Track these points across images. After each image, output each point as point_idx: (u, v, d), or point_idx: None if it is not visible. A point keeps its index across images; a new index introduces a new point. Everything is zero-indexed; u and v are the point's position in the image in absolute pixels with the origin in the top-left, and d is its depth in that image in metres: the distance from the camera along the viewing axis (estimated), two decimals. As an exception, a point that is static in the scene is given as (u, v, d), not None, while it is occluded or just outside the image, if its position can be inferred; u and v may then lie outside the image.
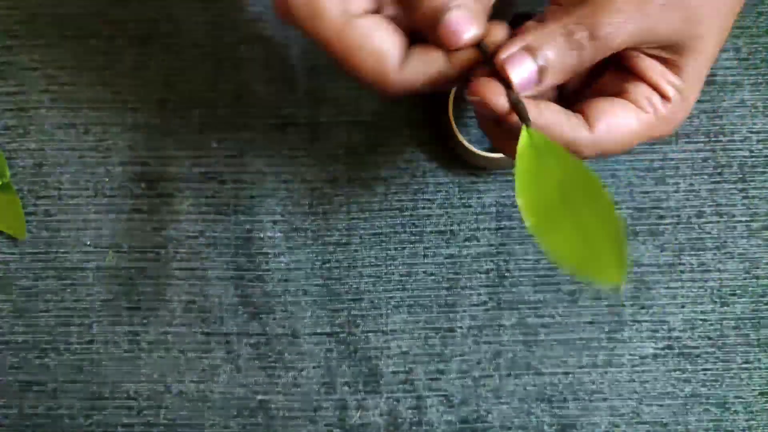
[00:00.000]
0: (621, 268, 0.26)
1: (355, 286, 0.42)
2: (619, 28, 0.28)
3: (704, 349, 0.41)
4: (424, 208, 0.42)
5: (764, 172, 0.42)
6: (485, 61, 0.29)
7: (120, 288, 0.42)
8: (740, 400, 0.41)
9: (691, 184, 0.42)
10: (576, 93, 0.32)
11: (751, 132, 0.42)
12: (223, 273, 0.42)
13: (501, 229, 0.42)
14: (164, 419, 0.41)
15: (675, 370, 0.41)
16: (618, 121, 0.30)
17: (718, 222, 0.41)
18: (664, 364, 0.41)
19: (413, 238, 0.42)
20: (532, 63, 0.29)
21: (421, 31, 0.30)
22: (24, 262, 0.42)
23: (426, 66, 0.29)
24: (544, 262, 0.41)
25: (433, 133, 0.42)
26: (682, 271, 0.41)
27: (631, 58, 0.30)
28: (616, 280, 0.27)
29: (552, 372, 0.41)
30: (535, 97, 0.30)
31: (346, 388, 0.41)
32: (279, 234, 0.42)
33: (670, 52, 0.30)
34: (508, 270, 0.41)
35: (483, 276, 0.41)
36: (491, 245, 0.42)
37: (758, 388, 0.41)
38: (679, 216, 0.41)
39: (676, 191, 0.42)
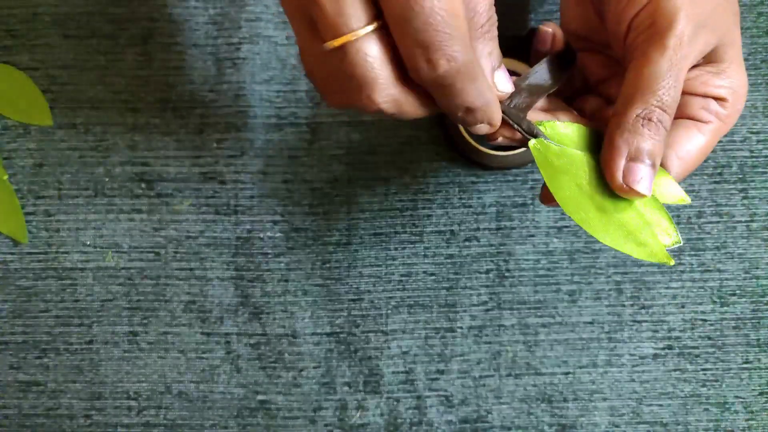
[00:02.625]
0: (659, 247, 0.30)
1: (355, 286, 0.42)
2: (677, 85, 0.29)
3: (704, 349, 0.41)
4: (424, 208, 0.42)
5: (764, 172, 0.42)
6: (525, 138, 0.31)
7: (120, 288, 0.42)
8: (740, 400, 0.41)
9: (691, 184, 0.42)
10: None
11: (751, 132, 0.42)
12: (223, 273, 0.42)
13: (501, 229, 0.42)
14: (164, 419, 0.41)
15: (675, 370, 0.41)
16: (686, 146, 0.31)
17: (718, 222, 0.41)
18: (664, 364, 0.41)
19: (413, 238, 0.42)
20: (644, 167, 0.30)
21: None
22: (24, 262, 0.42)
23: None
24: (544, 262, 0.41)
25: (434, 134, 0.42)
26: (682, 271, 0.41)
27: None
28: (665, 260, 0.30)
29: (552, 372, 0.41)
30: None
31: (346, 388, 0.41)
32: (279, 234, 0.42)
33: (711, 62, 0.31)
34: (508, 270, 0.41)
35: (483, 276, 0.41)
36: (491, 245, 0.42)
37: (758, 388, 0.41)
38: (679, 216, 0.41)
39: (676, 191, 0.42)
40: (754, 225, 0.41)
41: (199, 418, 0.41)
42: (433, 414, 0.41)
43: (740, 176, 0.42)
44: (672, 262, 0.29)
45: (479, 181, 0.42)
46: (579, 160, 0.30)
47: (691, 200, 0.41)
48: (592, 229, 0.30)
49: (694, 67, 0.31)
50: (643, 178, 0.30)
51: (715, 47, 0.31)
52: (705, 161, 0.42)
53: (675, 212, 0.41)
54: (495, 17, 0.28)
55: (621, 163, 0.30)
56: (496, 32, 0.29)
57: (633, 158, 0.30)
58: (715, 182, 0.42)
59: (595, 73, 0.35)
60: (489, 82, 0.29)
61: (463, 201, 0.42)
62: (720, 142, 0.42)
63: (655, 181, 0.30)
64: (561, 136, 0.31)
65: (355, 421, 0.41)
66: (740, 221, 0.41)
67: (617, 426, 0.41)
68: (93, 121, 0.42)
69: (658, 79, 0.29)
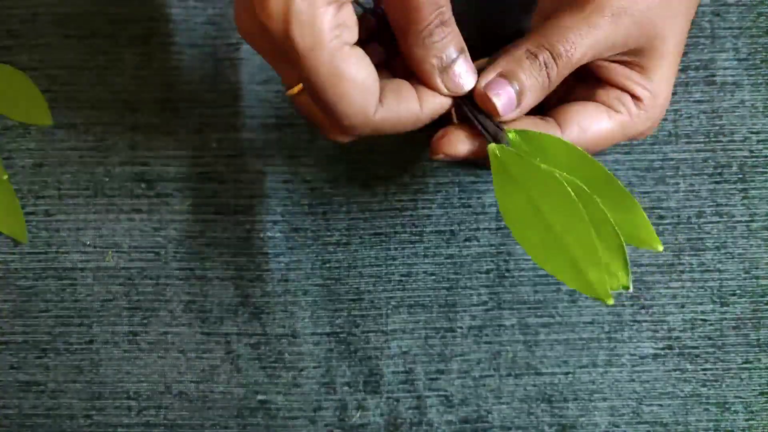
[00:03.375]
0: (600, 281, 0.27)
1: (355, 286, 0.42)
2: (575, 45, 0.30)
3: (704, 349, 0.41)
4: (424, 208, 0.42)
5: (764, 172, 0.42)
6: (465, 97, 0.31)
7: (120, 288, 0.42)
8: (740, 400, 0.41)
9: (691, 184, 0.42)
10: (551, 109, 0.34)
11: (751, 132, 0.42)
12: (223, 273, 0.42)
13: (501, 229, 0.42)
14: (164, 419, 0.41)
15: (675, 370, 0.41)
16: (590, 121, 0.31)
17: (718, 222, 0.41)
18: (664, 364, 0.41)
19: (413, 238, 0.42)
20: (510, 87, 0.30)
21: (407, 66, 0.30)
22: (24, 262, 0.42)
23: (399, 108, 0.30)
24: (544, 262, 0.41)
25: (434, 134, 0.42)
26: (682, 271, 0.41)
27: (598, 68, 0.32)
28: (600, 296, 0.27)
29: (552, 372, 0.41)
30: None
31: (346, 388, 0.41)
32: (279, 234, 0.42)
33: (632, 56, 0.31)
34: (508, 270, 0.41)
35: (483, 276, 0.41)
36: (491, 245, 0.42)
37: (758, 388, 0.41)
38: (679, 216, 0.42)
39: (676, 191, 0.42)
40: (754, 225, 0.41)
41: (199, 418, 0.41)
42: (433, 414, 0.41)
43: (740, 176, 0.42)
44: (610, 302, 0.27)
45: (479, 181, 0.42)
46: (540, 173, 0.29)
47: (689, 199, 0.41)
48: (530, 248, 0.28)
49: (621, 63, 0.31)
50: (502, 94, 0.30)
51: (642, 47, 0.31)
52: (705, 161, 0.42)
53: (676, 212, 0.41)
54: (442, 11, 0.29)
55: (491, 75, 0.30)
56: (446, 28, 0.29)
57: (502, 74, 0.30)
58: (715, 182, 0.42)
59: None
60: (412, 107, 0.30)
61: (463, 201, 0.42)
62: (720, 142, 0.42)
63: (629, 220, 0.29)
64: (531, 146, 0.30)
65: (355, 421, 0.41)
66: (740, 221, 0.41)
67: (617, 426, 0.41)
68: (93, 121, 0.42)
69: (560, 31, 0.30)
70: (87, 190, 0.42)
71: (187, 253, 0.42)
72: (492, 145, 0.30)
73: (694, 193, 0.42)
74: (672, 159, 0.42)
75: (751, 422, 0.41)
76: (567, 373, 0.41)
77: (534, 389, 0.41)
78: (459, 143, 0.32)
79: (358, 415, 0.41)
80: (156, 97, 0.42)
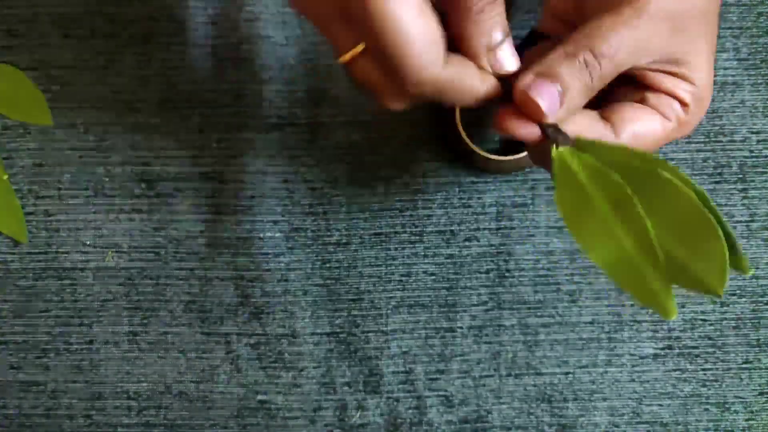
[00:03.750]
0: (664, 296, 0.26)
1: (355, 286, 0.42)
2: (617, 46, 0.29)
3: (704, 349, 0.41)
4: (424, 208, 0.42)
5: (764, 172, 0.42)
6: (506, 92, 0.30)
7: (120, 288, 0.42)
8: (740, 400, 0.41)
9: (691, 184, 0.42)
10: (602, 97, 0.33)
11: (751, 132, 0.42)
12: (223, 273, 0.42)
13: (501, 229, 0.42)
14: (164, 419, 0.41)
15: (675, 370, 0.41)
16: (644, 127, 0.31)
17: (718, 222, 0.41)
18: (664, 364, 0.41)
19: (413, 238, 0.42)
20: (552, 87, 0.29)
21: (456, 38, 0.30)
22: (24, 262, 0.42)
23: (464, 71, 0.29)
24: (544, 262, 0.41)
25: (434, 134, 0.42)
26: (682, 271, 0.41)
27: (644, 76, 0.31)
28: (663, 309, 0.26)
29: (552, 372, 0.41)
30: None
31: (346, 388, 0.41)
32: (279, 234, 0.42)
33: (676, 66, 0.31)
34: (508, 270, 0.41)
35: (483, 276, 0.41)
36: (491, 245, 0.42)
37: (758, 388, 0.41)
38: (679, 216, 0.41)
39: (676, 191, 0.42)
40: (754, 225, 0.41)
41: (199, 418, 0.41)
42: (433, 414, 0.41)
43: (740, 176, 0.42)
44: (674, 315, 0.26)
45: (479, 181, 0.42)
46: (610, 181, 0.26)
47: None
48: (591, 252, 0.26)
49: (664, 72, 0.31)
50: (544, 93, 0.29)
51: (681, 54, 0.30)
52: (705, 161, 0.42)
53: (675, 212, 0.41)
54: None
55: (530, 76, 0.29)
56: (497, 8, 0.29)
57: (541, 74, 0.29)
58: (715, 182, 0.42)
59: None
60: (475, 78, 0.29)
61: (463, 201, 0.42)
62: (720, 142, 0.42)
63: (703, 256, 0.26)
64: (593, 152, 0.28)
65: (355, 421, 0.41)
66: (740, 221, 0.41)
67: (617, 426, 0.41)
68: (93, 121, 0.42)
69: (599, 32, 0.29)
70: (87, 190, 0.42)
71: (187, 253, 0.42)
72: (557, 150, 0.28)
73: (694, 193, 0.42)
74: (672, 159, 0.42)
75: (751, 422, 0.41)
76: (567, 373, 0.41)
77: (534, 389, 0.41)
78: (525, 125, 0.30)
79: (358, 415, 0.41)
80: (156, 97, 0.42)
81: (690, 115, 0.32)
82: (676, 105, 0.31)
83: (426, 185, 0.42)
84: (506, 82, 0.30)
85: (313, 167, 0.42)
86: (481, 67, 0.30)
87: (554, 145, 0.28)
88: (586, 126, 0.30)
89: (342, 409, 0.41)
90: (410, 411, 0.41)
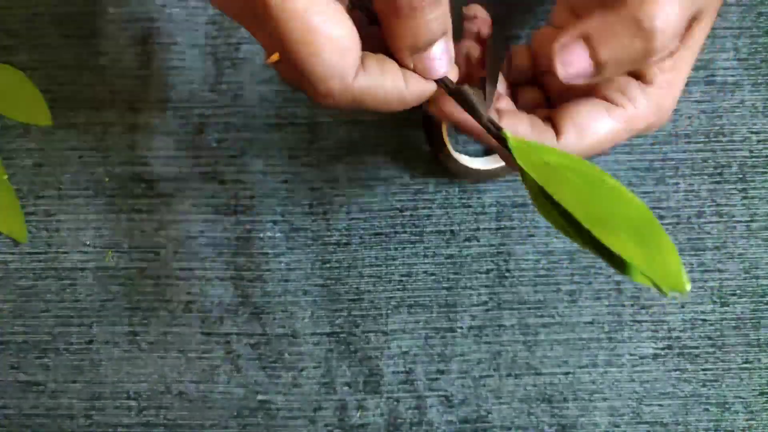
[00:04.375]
0: (675, 269, 0.25)
1: (355, 286, 0.42)
2: (667, 17, 0.26)
3: (704, 349, 0.41)
4: (424, 208, 0.42)
5: (764, 172, 0.42)
6: (450, 93, 0.28)
7: (120, 288, 0.42)
8: (740, 400, 0.41)
9: (691, 184, 0.42)
10: (560, 96, 0.31)
11: (751, 132, 0.42)
12: (223, 273, 0.42)
13: (501, 229, 0.42)
14: (164, 419, 0.41)
15: (675, 370, 0.41)
16: (588, 123, 0.29)
17: (718, 222, 0.41)
18: (664, 364, 0.41)
19: (413, 238, 0.42)
20: (586, 56, 0.27)
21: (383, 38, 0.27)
22: (24, 262, 0.42)
23: (384, 80, 0.27)
24: (544, 262, 0.41)
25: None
26: (682, 271, 0.41)
27: None
28: (675, 287, 0.25)
29: (552, 372, 0.41)
30: (500, 111, 0.29)
31: (346, 388, 0.41)
32: (279, 234, 0.42)
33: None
34: (508, 270, 0.41)
35: (483, 276, 0.41)
36: (491, 245, 0.42)
37: (758, 388, 0.41)
38: (679, 216, 0.41)
39: (676, 191, 0.42)
40: (754, 225, 0.41)
41: (199, 418, 0.41)
42: (433, 414, 0.41)
43: (740, 176, 0.42)
44: (688, 288, 0.24)
45: (479, 181, 0.42)
46: (574, 162, 0.26)
47: (689, 199, 0.41)
48: (545, 214, 0.26)
49: None
50: (574, 63, 0.26)
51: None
52: (705, 161, 0.42)
53: (676, 212, 0.41)
54: None
55: (569, 36, 0.27)
56: (436, 9, 0.26)
57: (585, 37, 0.27)
58: (715, 182, 0.42)
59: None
60: (398, 84, 0.27)
61: (463, 201, 0.42)
62: (720, 142, 0.42)
63: (653, 254, 0.25)
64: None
65: (355, 421, 0.41)
66: (740, 221, 0.41)
67: (617, 426, 0.41)
68: (93, 121, 0.42)
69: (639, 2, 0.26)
70: (87, 190, 0.42)
71: (187, 253, 0.42)
72: (511, 137, 0.27)
73: (694, 193, 0.42)
74: (672, 159, 0.42)
75: (751, 422, 0.41)
76: (567, 373, 0.41)
77: (534, 389, 0.41)
78: (456, 109, 0.28)
79: (358, 415, 0.41)
80: (156, 97, 0.42)
81: (653, 98, 0.29)
82: (633, 86, 0.29)
83: (426, 185, 0.42)
84: (444, 84, 0.28)
85: (313, 167, 0.42)
86: (402, 66, 0.27)
87: (501, 138, 0.27)
88: (524, 128, 0.29)
89: (342, 409, 0.41)
90: (410, 411, 0.41)
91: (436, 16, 0.26)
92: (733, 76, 0.42)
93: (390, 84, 0.27)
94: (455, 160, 0.40)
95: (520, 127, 0.29)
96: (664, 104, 0.29)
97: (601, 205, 0.25)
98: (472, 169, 0.40)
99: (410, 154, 0.42)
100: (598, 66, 0.27)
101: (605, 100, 0.29)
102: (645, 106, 0.29)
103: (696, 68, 0.42)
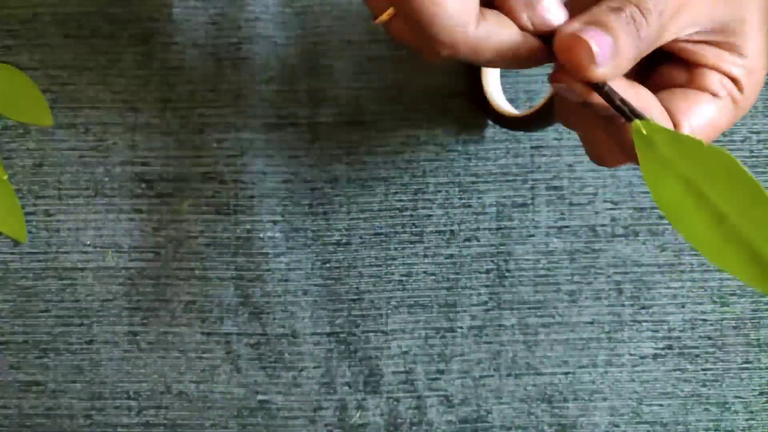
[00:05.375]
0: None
1: (355, 286, 0.42)
2: (664, 2, 0.26)
3: (704, 349, 0.41)
4: (424, 208, 0.42)
5: (764, 172, 0.42)
6: (550, 52, 0.27)
7: (120, 288, 0.42)
8: (740, 400, 0.41)
9: (691, 184, 0.42)
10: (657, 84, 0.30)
11: (751, 132, 0.42)
12: (223, 273, 0.42)
13: (501, 229, 0.42)
14: (164, 419, 0.41)
15: (675, 370, 0.41)
16: (703, 117, 0.28)
17: (718, 222, 0.41)
18: (664, 364, 0.41)
19: (413, 238, 0.42)
20: (605, 37, 0.26)
21: None
22: (24, 262, 0.42)
23: (501, 31, 0.27)
24: (544, 262, 0.41)
25: (434, 133, 0.42)
26: (682, 271, 0.41)
27: (683, 51, 0.28)
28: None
29: (552, 372, 0.41)
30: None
31: (346, 388, 0.41)
32: (279, 234, 0.42)
33: (723, 36, 0.28)
34: (508, 270, 0.41)
35: (483, 276, 0.41)
36: (491, 245, 0.42)
37: (758, 388, 0.41)
38: (679, 216, 0.41)
39: (676, 191, 0.42)
40: (754, 225, 0.41)
41: (199, 418, 0.41)
42: (433, 414, 0.41)
43: (740, 176, 0.42)
44: None
45: (479, 181, 0.42)
46: (706, 151, 0.23)
47: None
48: (700, 245, 0.23)
49: (709, 43, 0.28)
50: (596, 40, 0.25)
51: (727, 23, 0.27)
52: (705, 161, 0.42)
53: (675, 212, 0.41)
54: None
55: (578, 23, 0.26)
56: None
57: (589, 23, 0.26)
58: (715, 182, 0.42)
59: None
60: (513, 36, 0.26)
61: (463, 201, 0.42)
62: (720, 141, 0.42)
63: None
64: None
65: (355, 421, 0.41)
66: (740, 221, 0.41)
67: (617, 426, 0.41)
68: (93, 121, 0.42)
69: None
70: (87, 190, 0.42)
71: (187, 253, 0.42)
72: (637, 122, 0.24)
73: (694, 193, 0.42)
74: (672, 159, 0.42)
75: (751, 422, 0.41)
76: (567, 373, 0.41)
77: (534, 389, 0.41)
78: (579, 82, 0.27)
79: (358, 415, 0.41)
80: (156, 97, 0.42)
81: (745, 93, 0.28)
82: (728, 82, 0.28)
83: (426, 185, 0.42)
84: (551, 40, 0.26)
85: (313, 167, 0.42)
86: (518, 23, 0.27)
87: (624, 118, 0.25)
88: (655, 104, 0.27)
89: (342, 409, 0.41)
90: (410, 411, 0.41)
91: None
92: (733, 76, 0.42)
93: (507, 36, 0.27)
94: (494, 107, 0.39)
95: (652, 101, 0.27)
96: (751, 97, 0.29)
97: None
98: (508, 115, 0.39)
99: (410, 154, 0.42)
100: (616, 46, 0.26)
101: (707, 91, 0.28)
102: (738, 100, 0.28)
103: (696, 68, 0.42)
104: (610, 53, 0.25)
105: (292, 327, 0.41)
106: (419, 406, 0.41)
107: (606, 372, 0.41)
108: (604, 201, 0.42)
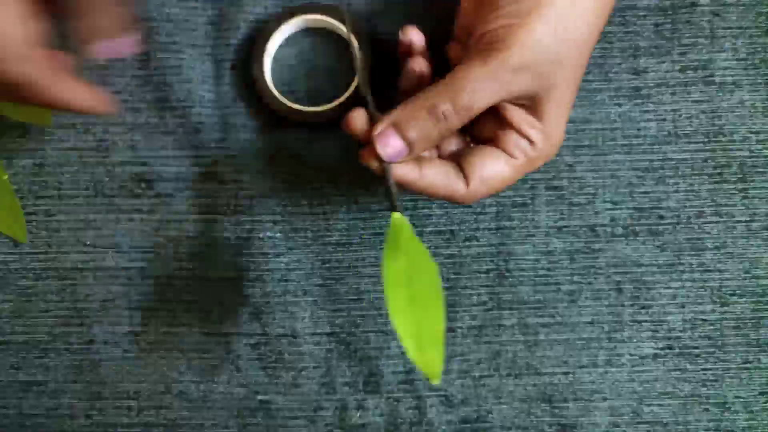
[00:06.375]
0: (435, 364, 0.31)
1: (355, 286, 0.42)
2: (477, 96, 0.32)
3: (704, 349, 0.41)
4: (424, 208, 0.42)
5: (764, 172, 0.42)
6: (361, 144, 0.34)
7: (120, 288, 0.42)
8: (740, 400, 0.41)
9: (691, 185, 0.42)
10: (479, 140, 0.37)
11: (751, 132, 0.42)
12: (222, 273, 0.42)
13: (501, 229, 0.42)
14: (164, 419, 0.41)
15: (675, 370, 0.41)
16: (491, 171, 0.35)
17: (718, 222, 0.41)
18: (664, 364, 0.41)
19: (413, 238, 0.42)
20: (399, 139, 0.33)
21: None
22: (24, 262, 0.42)
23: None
24: (544, 262, 0.41)
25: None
26: (682, 271, 0.41)
27: (501, 108, 0.34)
28: (431, 375, 0.31)
29: (552, 372, 0.41)
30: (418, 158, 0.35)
31: (346, 388, 0.41)
32: (279, 234, 0.42)
33: (530, 102, 0.34)
34: (508, 270, 0.41)
35: (483, 276, 0.41)
36: (491, 245, 0.42)
37: (758, 388, 0.41)
38: (679, 216, 0.42)
39: (676, 191, 0.42)
40: (754, 225, 0.42)
41: (199, 418, 0.41)
42: (433, 414, 0.41)
43: (740, 176, 0.42)
44: (437, 382, 0.32)
45: (479, 181, 0.42)
46: (423, 253, 0.33)
47: (689, 199, 0.41)
48: (393, 308, 0.32)
49: (519, 105, 0.34)
50: (390, 145, 0.33)
51: (537, 94, 0.33)
52: (705, 161, 0.42)
53: (676, 212, 0.41)
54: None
55: (384, 125, 0.33)
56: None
57: (394, 124, 0.33)
58: (715, 182, 0.42)
59: None
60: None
61: (463, 201, 0.42)
62: (720, 142, 0.42)
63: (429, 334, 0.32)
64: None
65: (355, 421, 0.41)
66: (740, 221, 0.41)
67: (617, 426, 0.41)
68: (93, 121, 0.42)
69: (465, 84, 0.32)
70: (87, 190, 0.42)
71: (187, 253, 0.42)
72: (396, 214, 0.34)
73: (694, 193, 0.42)
74: (672, 159, 0.42)
75: (751, 422, 0.41)
76: (567, 373, 0.41)
77: (534, 389, 0.41)
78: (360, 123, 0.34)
79: (358, 415, 0.41)
80: (155, 97, 0.42)
81: (537, 152, 0.35)
82: (524, 143, 0.35)
83: (426, 185, 0.42)
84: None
85: (313, 167, 0.42)
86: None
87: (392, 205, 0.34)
88: (437, 179, 0.34)
89: (342, 409, 0.41)
90: (410, 411, 0.41)
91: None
92: (732, 76, 0.42)
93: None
94: (282, 104, 0.41)
95: (437, 177, 0.34)
96: (546, 153, 0.35)
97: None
98: (300, 111, 0.41)
99: (410, 154, 0.42)
100: (410, 145, 0.33)
101: (504, 151, 0.35)
102: (532, 159, 0.35)
103: (695, 68, 0.42)
104: (398, 154, 0.33)
105: (292, 327, 0.41)
106: (419, 406, 0.41)
107: (606, 372, 0.41)
108: (604, 201, 0.42)
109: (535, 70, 0.32)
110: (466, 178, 0.34)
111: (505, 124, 0.35)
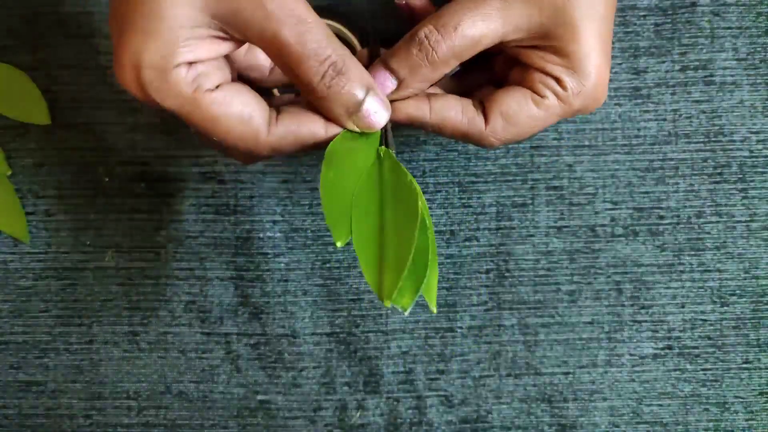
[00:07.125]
0: (388, 287, 0.29)
1: (355, 286, 0.42)
2: (462, 18, 0.30)
3: (704, 349, 0.41)
4: (424, 208, 0.42)
5: (764, 172, 0.42)
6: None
7: (120, 288, 0.42)
8: (740, 400, 0.41)
9: (691, 184, 0.42)
10: (503, 80, 0.35)
11: (751, 132, 0.42)
12: (223, 273, 0.42)
13: (501, 229, 0.42)
14: (164, 419, 0.41)
15: (675, 370, 0.41)
16: (515, 107, 0.32)
17: (718, 222, 0.41)
18: (664, 364, 0.41)
19: (413, 238, 0.42)
20: (386, 74, 0.32)
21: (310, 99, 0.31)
22: (24, 262, 0.42)
23: (299, 128, 0.31)
24: (544, 262, 0.41)
25: (432, 134, 0.42)
26: (682, 271, 0.41)
27: (519, 53, 0.32)
28: (382, 296, 0.29)
29: (552, 372, 0.41)
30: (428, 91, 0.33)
31: (346, 388, 0.41)
32: (279, 234, 0.42)
33: (546, 41, 0.31)
34: (508, 270, 0.41)
35: (483, 276, 0.41)
36: (491, 245, 0.42)
37: (758, 388, 0.41)
38: (679, 216, 0.42)
39: (676, 191, 0.42)
40: (754, 225, 0.42)
41: (199, 418, 0.41)
42: (433, 414, 0.41)
43: (740, 176, 0.42)
44: (387, 304, 0.29)
45: (479, 181, 0.42)
46: (406, 178, 0.30)
47: (689, 199, 0.41)
48: (357, 237, 0.30)
49: (538, 48, 0.32)
50: (380, 83, 0.32)
51: (549, 30, 0.31)
52: (705, 161, 0.42)
53: (676, 212, 0.41)
54: (332, 61, 0.30)
55: (374, 65, 0.32)
56: (342, 78, 0.30)
57: (382, 61, 0.32)
58: (715, 182, 0.42)
59: None
60: (314, 125, 0.31)
61: (463, 201, 0.42)
62: (720, 142, 0.42)
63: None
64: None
65: (355, 421, 0.41)
66: (740, 221, 0.41)
67: (617, 426, 0.41)
68: (93, 121, 0.42)
69: (450, 12, 0.30)
70: (87, 190, 0.42)
71: (187, 253, 0.42)
72: (383, 147, 0.32)
73: (694, 193, 0.42)
74: (672, 159, 0.42)
75: (751, 422, 0.41)
76: (567, 373, 0.41)
77: (534, 389, 0.41)
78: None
79: (358, 415, 0.41)
80: (156, 97, 0.42)
81: (570, 90, 0.32)
82: (552, 82, 0.32)
83: (426, 185, 0.42)
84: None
85: (313, 167, 0.42)
86: (348, 129, 0.32)
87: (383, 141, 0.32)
88: (455, 114, 0.32)
89: (342, 409, 0.41)
90: (410, 411, 0.41)
91: (351, 84, 0.30)
92: (732, 76, 0.42)
93: (306, 131, 0.31)
94: None
95: (450, 112, 0.32)
96: (587, 93, 0.32)
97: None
98: None
99: (410, 153, 0.42)
100: (400, 79, 0.32)
101: (531, 90, 0.32)
102: (566, 97, 0.32)
103: (695, 68, 0.42)
104: (389, 87, 0.32)
105: (292, 327, 0.41)
106: (419, 406, 0.41)
107: (606, 372, 0.41)
108: (604, 201, 0.42)
109: (537, 1, 0.30)
110: (485, 115, 0.32)
111: (527, 66, 0.32)
